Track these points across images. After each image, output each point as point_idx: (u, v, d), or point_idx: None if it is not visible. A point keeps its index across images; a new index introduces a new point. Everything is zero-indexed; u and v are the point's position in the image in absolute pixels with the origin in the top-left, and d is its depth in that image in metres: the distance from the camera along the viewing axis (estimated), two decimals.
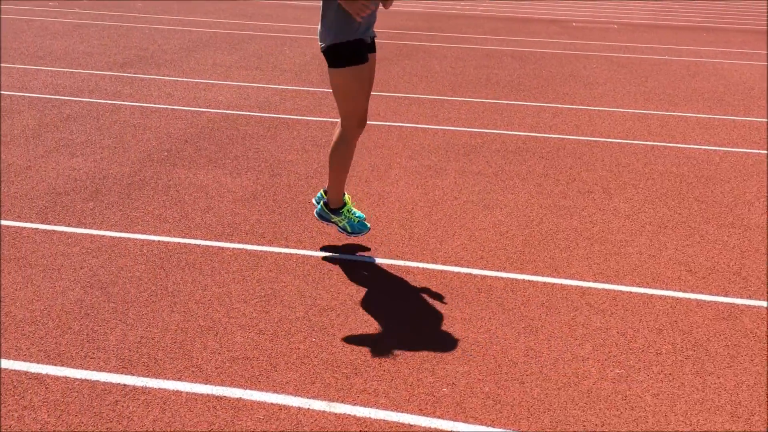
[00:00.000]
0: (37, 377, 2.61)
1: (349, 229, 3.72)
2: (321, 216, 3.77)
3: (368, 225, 3.77)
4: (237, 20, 12.18)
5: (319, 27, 3.48)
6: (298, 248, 3.74)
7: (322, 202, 3.78)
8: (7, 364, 2.67)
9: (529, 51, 10.21)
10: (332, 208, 3.72)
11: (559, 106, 7.02)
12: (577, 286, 3.42)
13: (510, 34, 11.79)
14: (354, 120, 3.52)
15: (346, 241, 3.82)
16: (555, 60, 9.55)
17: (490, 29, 12.35)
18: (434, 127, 6.12)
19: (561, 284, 3.42)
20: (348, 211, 3.71)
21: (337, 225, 3.74)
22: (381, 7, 3.41)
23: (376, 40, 3.63)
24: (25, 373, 2.63)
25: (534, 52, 10.16)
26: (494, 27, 12.64)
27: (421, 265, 3.59)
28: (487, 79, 8.14)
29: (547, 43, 11.00)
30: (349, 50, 3.35)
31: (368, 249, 3.75)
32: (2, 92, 6.69)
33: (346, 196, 3.74)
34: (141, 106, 6.46)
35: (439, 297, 3.28)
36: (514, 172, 5.03)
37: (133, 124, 5.90)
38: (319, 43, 3.46)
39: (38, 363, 2.68)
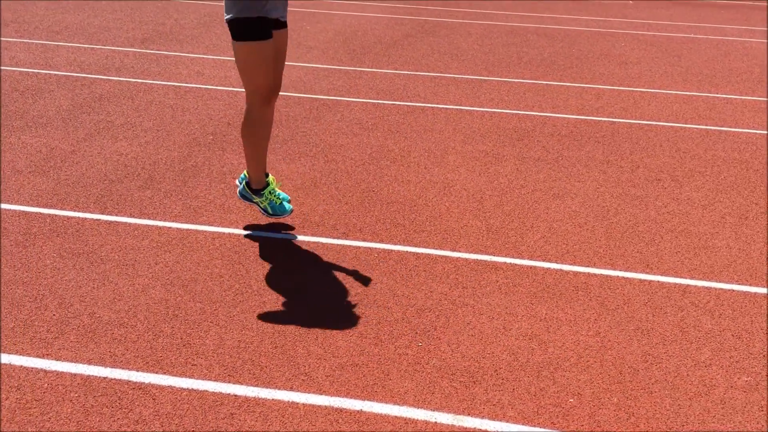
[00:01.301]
0: (141, 387, 2.45)
1: (270, 211, 3.66)
2: (243, 196, 3.72)
3: (290, 207, 3.70)
4: None
5: None
6: (376, 241, 3.58)
7: (244, 182, 3.70)
8: (106, 372, 2.52)
9: (553, 28, 9.99)
10: (254, 189, 3.65)
11: (600, 87, 6.85)
12: (676, 283, 3.29)
13: (529, 10, 11.56)
14: (258, 96, 3.47)
15: (423, 235, 3.67)
16: (582, 38, 9.35)
17: (509, 5, 12.10)
18: (479, 109, 5.94)
19: (658, 281, 3.30)
20: (270, 192, 3.64)
21: (259, 206, 3.68)
22: None
23: (288, 18, 3.57)
24: (128, 382, 2.47)
25: (558, 29, 9.95)
26: (512, 3, 12.39)
27: (507, 260, 3.45)
28: (519, 58, 7.94)
29: (568, 20, 10.78)
30: (251, 25, 3.32)
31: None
32: (26, 69, 6.43)
33: (270, 177, 3.69)
34: (173, 85, 6.23)
35: (537, 296, 3.14)
36: (575, 158, 4.88)
37: (169, 105, 5.68)
38: (224, 14, 3.40)
39: (138, 371, 2.53)
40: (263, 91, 3.45)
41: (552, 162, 4.81)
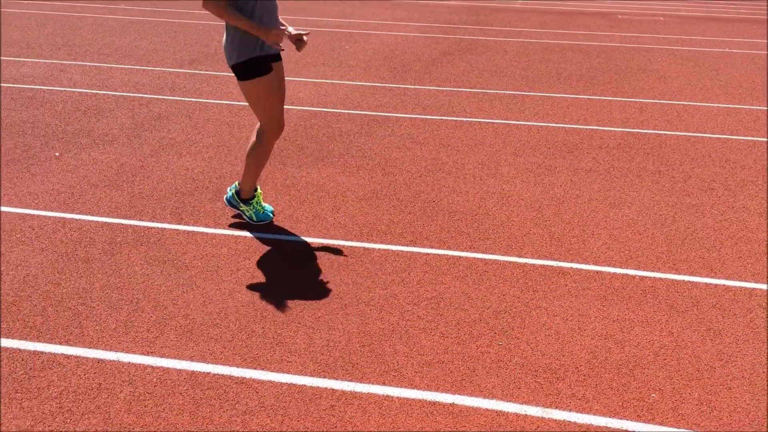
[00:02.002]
0: (243, 381, 2.59)
1: (254, 218, 3.98)
2: (230, 203, 4.04)
3: (271, 216, 4.02)
4: (281, 15, 12.12)
5: (224, 41, 3.72)
6: (443, 249, 3.71)
7: (233, 191, 4.04)
8: (209, 368, 2.66)
9: (587, 44, 10.13)
10: (243, 198, 3.99)
11: (642, 100, 6.96)
12: (741, 287, 3.38)
13: (561, 28, 11.71)
14: (273, 125, 3.81)
15: (487, 242, 3.79)
16: (617, 53, 9.48)
17: (539, 23, 12.27)
18: (526, 123, 6.07)
19: (724, 285, 3.39)
20: (257, 202, 3.99)
21: (244, 213, 4.01)
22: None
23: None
24: (230, 377, 2.61)
25: (592, 45, 10.08)
26: (542, 20, 12.55)
27: (573, 265, 3.56)
28: (558, 74, 8.08)
29: (601, 36, 10.91)
30: (252, 65, 3.65)
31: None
32: (85, 90, 6.68)
33: (258, 190, 4.02)
34: (226, 103, 6.44)
35: (606, 299, 3.25)
36: (626, 169, 4.99)
37: (225, 122, 5.88)
38: (227, 61, 3.74)
39: (238, 367, 2.67)
40: (277, 118, 3.80)
41: (604, 173, 4.92)
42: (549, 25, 12.00)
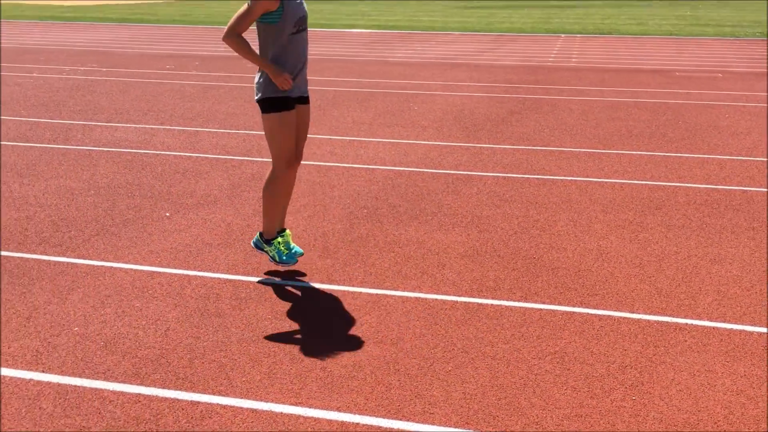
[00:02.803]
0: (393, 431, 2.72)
1: (277, 259, 4.14)
2: (256, 245, 4.23)
3: (296, 259, 4.16)
4: (346, 78, 12.56)
5: (255, 79, 4.01)
6: (555, 304, 3.81)
7: (258, 233, 4.23)
8: (357, 418, 2.78)
9: (652, 102, 10.26)
10: (265, 239, 4.17)
11: (720, 157, 7.02)
12: None
13: (621, 85, 11.88)
14: (282, 161, 4.03)
15: (596, 298, 3.88)
16: (684, 110, 9.57)
17: (597, 81, 12.46)
18: (608, 181, 6.18)
19: None
20: (278, 242, 4.14)
21: (268, 254, 4.18)
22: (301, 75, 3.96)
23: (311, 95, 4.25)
24: (378, 427, 2.73)
25: (657, 102, 10.20)
26: (600, 78, 12.75)
27: (688, 321, 3.61)
28: (628, 132, 8.20)
29: (663, 94, 11.03)
30: (276, 101, 3.94)
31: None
32: (178, 153, 7.03)
33: (287, 231, 4.20)
34: (314, 164, 6.71)
35: (730, 354, 3.28)
36: (719, 226, 5.04)
37: (317, 182, 6.13)
38: (254, 96, 4.06)
39: (384, 417, 2.79)
40: (286, 154, 4.02)
41: (697, 229, 4.98)
42: (608, 83, 12.18)
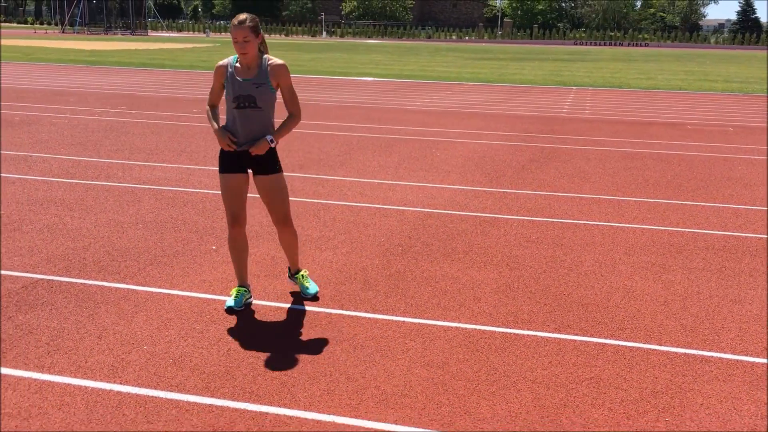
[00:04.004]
0: None
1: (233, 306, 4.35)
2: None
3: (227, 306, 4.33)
4: (367, 124, 13.00)
5: None
6: (587, 336, 4.07)
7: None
8: (414, 430, 3.03)
9: (666, 153, 10.61)
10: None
11: (734, 206, 7.32)
12: None
13: (634, 137, 12.26)
14: (227, 218, 4.30)
15: (626, 332, 4.13)
16: (697, 162, 9.92)
17: (611, 132, 12.86)
18: (629, 226, 6.48)
19: None
20: (237, 291, 4.37)
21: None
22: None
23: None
24: None
25: (671, 153, 10.56)
26: (614, 130, 13.15)
27: (713, 354, 3.87)
28: (645, 180, 8.53)
29: (677, 146, 11.40)
30: (220, 162, 4.27)
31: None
32: (217, 192, 7.36)
33: (242, 289, 4.38)
34: (346, 204, 7.03)
35: (754, 384, 3.52)
36: (738, 270, 5.31)
37: (350, 221, 6.44)
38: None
39: (437, 430, 3.04)
40: (227, 214, 4.28)
41: (717, 272, 5.24)
42: (622, 134, 12.57)
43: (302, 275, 4.60)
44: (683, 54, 50.63)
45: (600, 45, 77.68)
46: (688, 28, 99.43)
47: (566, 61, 38.59)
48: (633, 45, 78.37)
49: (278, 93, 4.28)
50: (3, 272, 4.80)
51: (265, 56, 4.21)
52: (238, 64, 4.17)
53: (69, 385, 3.33)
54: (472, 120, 14.09)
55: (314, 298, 4.54)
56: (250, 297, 4.43)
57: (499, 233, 6.18)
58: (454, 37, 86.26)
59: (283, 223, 4.39)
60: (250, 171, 4.30)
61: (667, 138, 12.28)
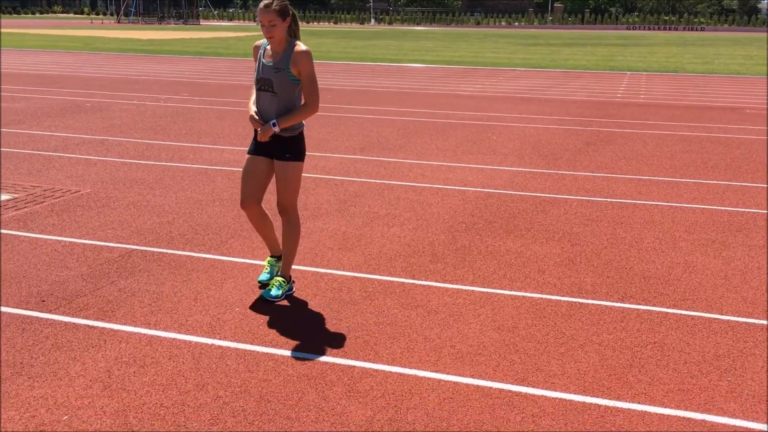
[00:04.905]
0: (520, 395, 3.21)
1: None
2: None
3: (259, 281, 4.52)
4: (422, 109, 13.22)
5: None
6: (649, 305, 4.26)
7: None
8: (489, 383, 3.30)
9: (724, 137, 10.58)
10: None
11: None
12: None
13: (692, 121, 12.20)
14: (240, 197, 4.36)
15: (688, 302, 4.31)
16: (757, 146, 9.87)
17: (668, 116, 12.81)
18: (688, 206, 6.59)
19: None
20: (268, 262, 4.55)
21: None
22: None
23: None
24: (509, 391, 3.23)
25: (729, 137, 10.52)
26: (671, 114, 13.10)
27: None
28: (703, 163, 8.57)
29: (735, 129, 11.32)
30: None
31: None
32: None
33: (271, 260, 4.53)
34: (409, 185, 7.30)
35: None
36: None
37: (414, 200, 6.71)
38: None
39: (512, 384, 3.29)
40: (241, 193, 4.32)
41: None
42: (679, 118, 12.52)
43: (279, 281, 4.34)
44: (741, 38, 49.30)
45: (654, 30, 76.00)
46: (747, 12, 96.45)
47: (619, 46, 38.01)
48: (688, 29, 76.42)
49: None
50: (99, 243, 5.22)
51: (295, 41, 4.14)
52: (269, 47, 4.18)
53: (175, 339, 3.70)
54: (526, 105, 14.18)
55: (266, 297, 4.27)
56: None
57: (559, 212, 6.37)
58: (503, 23, 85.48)
59: (284, 212, 4.32)
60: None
61: (725, 122, 12.18)
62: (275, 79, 4.09)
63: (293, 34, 4.17)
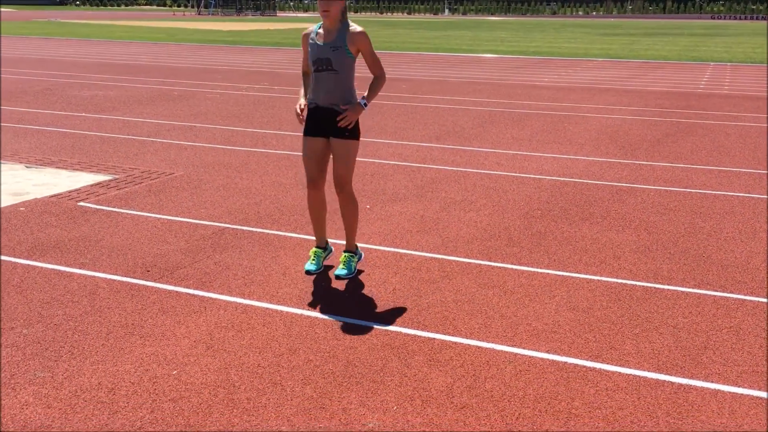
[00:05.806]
0: (594, 370, 3.35)
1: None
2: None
3: (306, 270, 4.59)
4: (497, 99, 13.26)
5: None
6: (727, 292, 4.29)
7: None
8: (563, 359, 3.44)
9: None
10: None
11: None
12: None
13: None
14: (306, 179, 4.53)
15: (763, 288, 4.32)
16: None
17: (754, 108, 12.44)
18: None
19: None
20: (314, 253, 4.65)
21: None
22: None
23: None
24: (583, 366, 3.37)
25: None
26: (757, 106, 12.71)
27: None
28: None
29: None
30: (306, 122, 4.44)
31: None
32: (363, 159, 7.97)
33: (319, 250, 4.64)
34: (485, 172, 7.44)
35: None
36: None
37: (489, 187, 6.85)
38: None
39: (586, 360, 3.43)
40: (307, 175, 4.48)
41: None
42: (765, 110, 12.14)
43: (346, 256, 4.59)
44: None
45: (740, 19, 72.84)
46: None
47: (702, 36, 36.74)
48: None
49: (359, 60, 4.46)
50: (194, 221, 5.59)
51: (348, 22, 4.34)
52: (320, 30, 4.36)
53: (268, 308, 3.99)
54: (603, 95, 14.01)
55: (341, 277, 4.50)
56: (330, 252, 4.76)
57: (636, 201, 6.38)
58: (580, 13, 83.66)
59: (340, 188, 4.46)
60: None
61: None
62: (333, 57, 4.28)
63: (342, 19, 4.36)
